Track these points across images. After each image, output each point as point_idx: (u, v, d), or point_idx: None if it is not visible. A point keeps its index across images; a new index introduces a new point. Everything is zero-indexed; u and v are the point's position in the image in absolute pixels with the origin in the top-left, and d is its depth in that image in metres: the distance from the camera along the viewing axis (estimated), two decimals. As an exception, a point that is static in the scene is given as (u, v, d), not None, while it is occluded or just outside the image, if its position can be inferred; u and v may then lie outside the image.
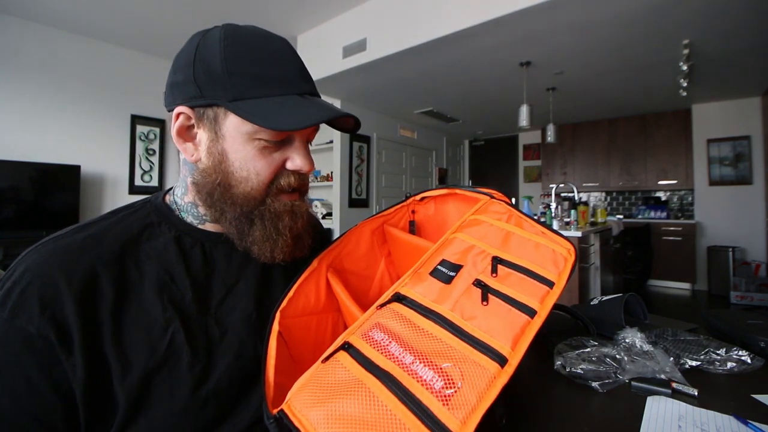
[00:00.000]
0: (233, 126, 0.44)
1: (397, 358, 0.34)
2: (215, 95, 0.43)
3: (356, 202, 4.56)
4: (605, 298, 0.80)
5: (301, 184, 0.49)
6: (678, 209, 5.06)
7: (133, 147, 3.74)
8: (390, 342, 0.36)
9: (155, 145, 3.90)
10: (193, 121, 0.45)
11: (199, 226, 0.50)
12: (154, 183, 3.89)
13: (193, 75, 0.43)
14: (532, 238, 0.44)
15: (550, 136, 4.14)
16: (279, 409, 0.34)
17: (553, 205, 3.17)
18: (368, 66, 3.24)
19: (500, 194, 0.54)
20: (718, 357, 0.58)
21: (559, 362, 0.58)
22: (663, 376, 0.53)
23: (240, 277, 0.50)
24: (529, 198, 3.60)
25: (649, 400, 0.50)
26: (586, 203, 3.48)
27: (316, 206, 4.48)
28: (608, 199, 5.66)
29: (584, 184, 5.53)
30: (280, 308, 0.47)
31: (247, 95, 0.42)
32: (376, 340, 0.37)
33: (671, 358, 0.57)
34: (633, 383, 0.52)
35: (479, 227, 0.48)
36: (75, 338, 0.38)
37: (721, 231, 4.52)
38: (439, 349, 0.35)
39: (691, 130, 4.74)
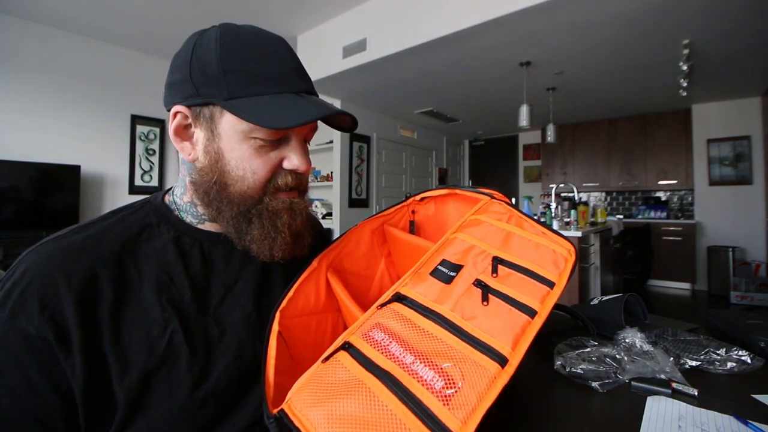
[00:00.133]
0: (229, 125, 0.44)
1: (397, 358, 0.34)
2: (211, 94, 0.43)
3: (356, 202, 4.56)
4: (605, 298, 0.80)
5: (299, 183, 0.49)
6: (678, 209, 5.06)
7: (133, 147, 3.74)
8: (390, 342, 0.36)
9: (155, 145, 3.90)
10: (190, 120, 0.45)
11: (198, 226, 0.50)
12: (154, 183, 3.89)
13: (190, 74, 0.43)
14: (533, 239, 0.44)
15: (550, 136, 4.14)
16: (279, 408, 0.34)
17: (553, 205, 3.17)
18: (368, 66, 3.24)
19: (500, 194, 0.54)
20: (718, 357, 0.58)
21: (559, 362, 0.58)
22: (663, 376, 0.53)
23: (239, 277, 0.50)
24: (529, 198, 3.60)
25: (649, 400, 0.50)
26: (586, 203, 3.48)
27: (316, 206, 4.48)
28: (608, 199, 5.66)
29: (584, 184, 5.53)
30: (280, 308, 0.47)
31: (243, 93, 0.42)
32: (377, 340, 0.37)
33: (671, 358, 0.57)
34: (633, 383, 0.52)
35: (480, 227, 0.48)
36: (74, 338, 0.38)
37: (721, 231, 4.52)
38: (440, 349, 0.34)
39: (691, 130, 4.74)
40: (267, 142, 0.45)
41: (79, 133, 3.41)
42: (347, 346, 0.37)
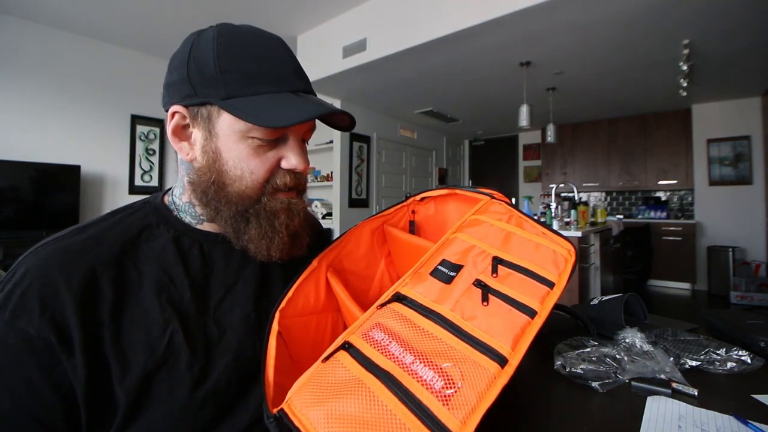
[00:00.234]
0: (226, 124, 0.44)
1: (397, 357, 0.34)
2: (208, 94, 0.43)
3: (356, 202, 4.56)
4: (605, 298, 0.80)
5: (297, 183, 0.49)
6: (678, 209, 5.06)
7: (133, 147, 3.74)
8: (390, 342, 0.36)
9: (155, 145, 3.90)
10: (187, 120, 0.45)
11: (197, 226, 0.50)
12: (154, 183, 3.89)
13: (187, 74, 0.43)
14: (533, 239, 0.44)
15: (550, 136, 4.14)
16: (279, 408, 0.34)
17: (553, 205, 3.17)
18: (368, 66, 3.24)
19: (500, 195, 0.54)
20: (718, 357, 0.58)
21: (559, 362, 0.58)
22: (663, 376, 0.53)
23: (239, 277, 0.50)
24: (529, 198, 3.60)
25: (649, 400, 0.50)
26: (586, 203, 3.48)
27: (316, 206, 4.48)
28: (608, 199, 5.66)
29: (584, 184, 5.53)
30: (280, 308, 0.47)
31: (240, 93, 0.42)
32: (377, 340, 0.37)
33: (671, 358, 0.57)
34: (633, 383, 0.52)
35: (480, 227, 0.48)
36: (75, 339, 0.38)
37: (721, 231, 4.52)
38: (439, 349, 0.35)
39: (691, 130, 4.74)
40: (265, 141, 0.45)
41: (79, 133, 3.41)
42: (347, 346, 0.37)
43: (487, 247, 0.44)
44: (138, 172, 3.79)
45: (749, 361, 0.57)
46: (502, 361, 0.32)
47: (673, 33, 2.73)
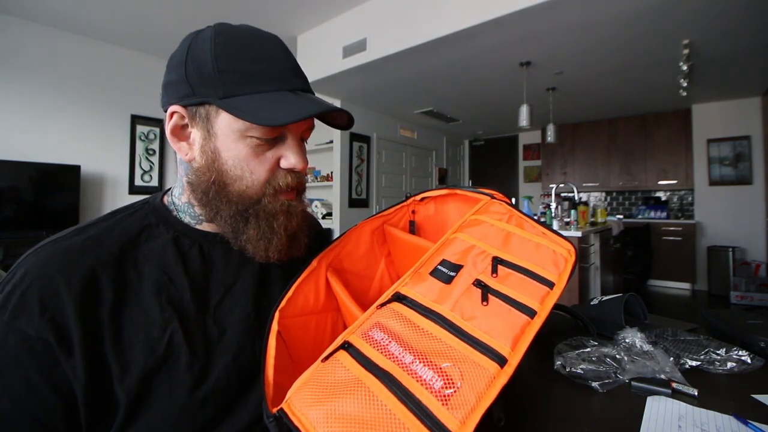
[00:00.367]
0: (225, 123, 0.44)
1: (396, 357, 0.34)
2: (207, 93, 0.43)
3: (356, 202, 4.56)
4: (605, 298, 0.80)
5: (298, 183, 0.49)
6: (678, 209, 5.06)
7: (133, 147, 3.74)
8: (390, 341, 0.36)
9: (155, 145, 3.90)
10: (186, 120, 0.45)
11: (197, 227, 0.50)
12: (154, 183, 3.89)
13: (185, 74, 0.43)
14: (533, 239, 0.44)
15: (550, 136, 4.14)
16: (279, 408, 0.34)
17: (553, 205, 3.17)
18: (368, 66, 3.24)
19: (500, 195, 0.54)
20: (718, 357, 0.58)
21: (559, 362, 0.58)
22: (663, 376, 0.53)
23: (238, 277, 0.50)
24: (529, 198, 3.60)
25: (649, 400, 0.50)
26: (586, 203, 3.48)
27: (316, 206, 4.48)
28: (608, 199, 5.66)
29: (584, 184, 5.53)
30: (279, 308, 0.47)
31: (238, 92, 0.42)
32: (376, 340, 0.37)
33: (671, 358, 0.57)
34: (633, 383, 0.52)
35: (480, 227, 0.48)
36: (75, 340, 0.38)
37: (721, 231, 4.52)
38: (439, 349, 0.34)
39: (691, 130, 4.74)
40: (263, 140, 0.45)
41: (79, 133, 3.41)
42: (347, 346, 0.37)
43: (487, 247, 0.44)
44: (138, 172, 3.79)
45: (749, 361, 0.57)
46: (501, 361, 0.32)
47: (673, 33, 2.73)
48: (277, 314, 0.46)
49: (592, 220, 3.73)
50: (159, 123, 3.89)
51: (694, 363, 0.58)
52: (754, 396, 0.50)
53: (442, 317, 0.38)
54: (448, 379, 0.31)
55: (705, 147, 4.63)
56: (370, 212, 4.71)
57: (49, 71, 3.24)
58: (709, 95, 4.36)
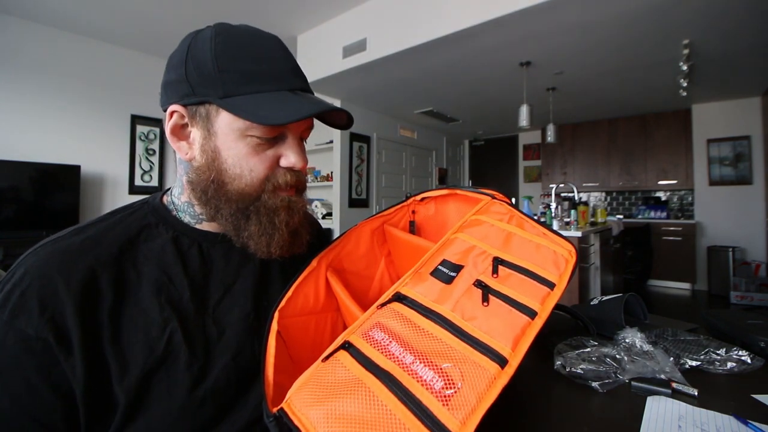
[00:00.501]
0: (225, 123, 0.44)
1: (397, 357, 0.34)
2: (207, 93, 0.43)
3: (356, 202, 4.56)
4: (605, 298, 0.80)
5: (297, 181, 0.49)
6: (678, 209, 5.06)
7: (133, 147, 3.74)
8: (390, 342, 0.36)
9: (155, 145, 3.90)
10: (186, 120, 0.46)
11: (196, 226, 0.50)
12: (154, 183, 3.89)
13: (185, 73, 0.43)
14: (534, 239, 0.44)
15: (550, 136, 4.14)
16: (279, 407, 0.34)
17: (553, 205, 3.17)
18: (368, 66, 3.24)
19: (501, 195, 0.54)
20: (718, 357, 0.58)
21: (559, 362, 0.58)
22: (663, 376, 0.53)
23: (238, 276, 0.50)
24: (529, 198, 3.59)
25: (649, 400, 0.50)
26: (586, 203, 3.48)
27: (316, 206, 4.48)
28: (608, 199, 5.66)
29: (584, 184, 5.53)
30: (279, 308, 0.47)
31: (238, 92, 0.43)
32: (377, 340, 0.36)
33: (671, 358, 0.57)
34: (633, 383, 0.52)
35: (480, 227, 0.48)
36: (74, 339, 0.38)
37: (721, 231, 4.52)
38: (440, 350, 0.34)
39: (691, 130, 4.74)
40: (263, 140, 0.45)
41: (79, 133, 3.41)
42: (347, 346, 0.37)
43: (487, 247, 0.44)
44: (138, 172, 3.78)
45: (749, 361, 0.57)
46: (502, 361, 0.32)
47: (673, 33, 2.73)
48: (276, 314, 0.46)
49: (592, 220, 3.74)
50: (159, 123, 3.89)
51: (694, 363, 0.58)
52: (754, 396, 0.50)
53: (442, 317, 0.38)
54: (448, 380, 0.31)
55: (705, 147, 4.63)
56: (370, 212, 4.71)
57: (49, 71, 3.24)
58: (709, 95, 4.36)
